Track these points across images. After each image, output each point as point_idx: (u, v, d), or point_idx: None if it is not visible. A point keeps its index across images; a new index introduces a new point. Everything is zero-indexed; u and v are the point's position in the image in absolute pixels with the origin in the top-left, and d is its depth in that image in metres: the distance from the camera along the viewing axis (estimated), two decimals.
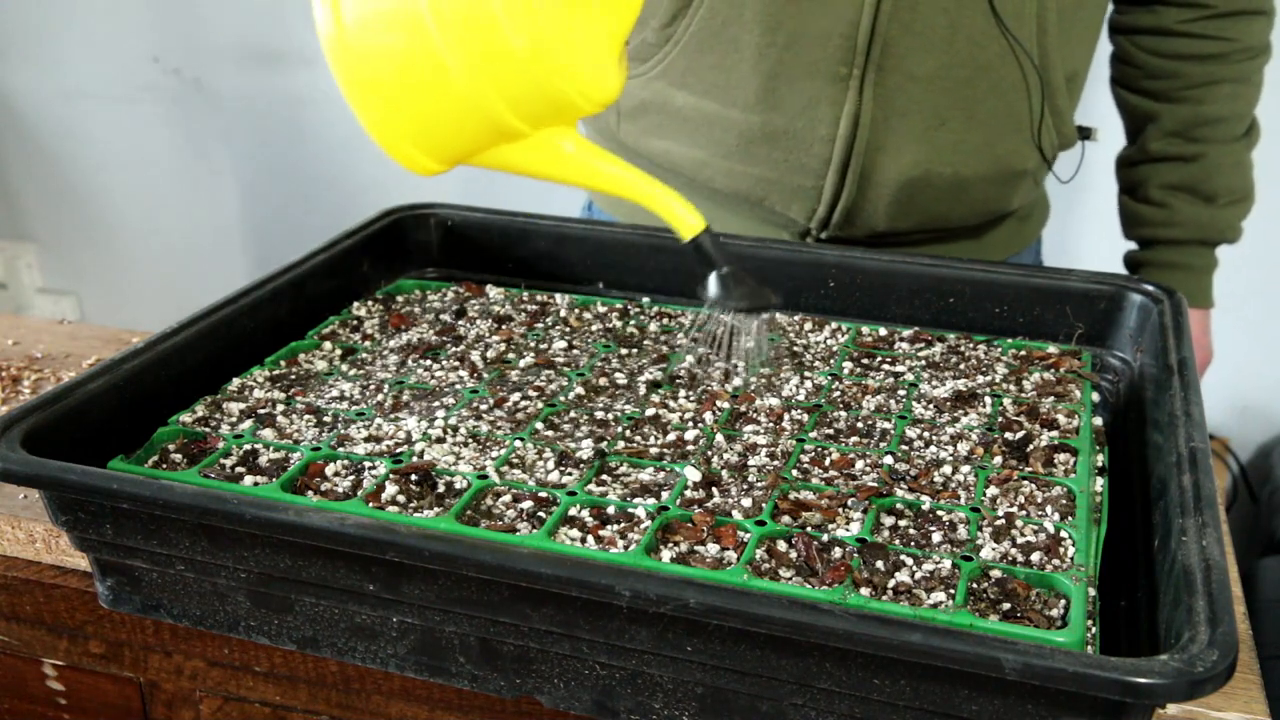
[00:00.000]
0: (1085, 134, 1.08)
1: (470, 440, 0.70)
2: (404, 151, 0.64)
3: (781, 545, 0.60)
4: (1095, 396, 0.77)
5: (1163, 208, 1.10)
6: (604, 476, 0.66)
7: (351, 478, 0.66)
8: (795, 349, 0.83)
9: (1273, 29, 1.07)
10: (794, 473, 0.66)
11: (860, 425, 0.72)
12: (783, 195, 1.00)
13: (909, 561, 0.58)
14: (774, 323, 0.85)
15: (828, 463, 0.68)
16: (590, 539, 0.60)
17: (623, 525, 0.61)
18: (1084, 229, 1.83)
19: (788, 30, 0.92)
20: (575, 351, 0.82)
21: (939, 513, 0.63)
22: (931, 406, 0.74)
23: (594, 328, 0.86)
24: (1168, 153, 1.09)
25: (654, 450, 0.69)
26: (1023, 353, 0.82)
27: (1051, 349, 0.82)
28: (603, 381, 0.78)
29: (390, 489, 0.64)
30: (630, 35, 1.00)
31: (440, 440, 0.69)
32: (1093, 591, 0.59)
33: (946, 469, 0.67)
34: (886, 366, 0.80)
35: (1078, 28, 0.99)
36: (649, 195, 0.68)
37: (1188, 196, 1.09)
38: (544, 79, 0.61)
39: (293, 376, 0.79)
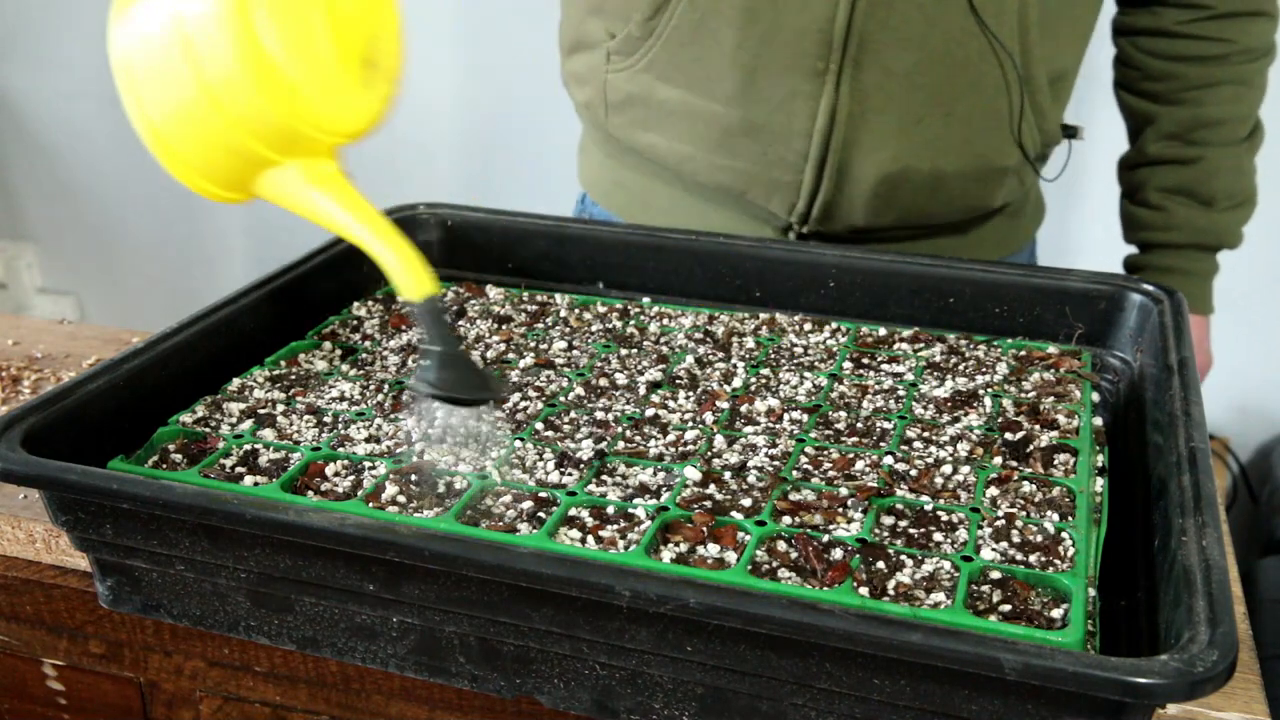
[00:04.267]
0: (1071, 133, 1.07)
1: (470, 440, 0.70)
2: (185, 176, 0.62)
3: (781, 545, 0.60)
4: (1095, 396, 0.77)
5: (1160, 211, 1.10)
6: (604, 477, 0.66)
7: (351, 478, 0.66)
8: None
9: (1276, 31, 1.06)
10: (794, 473, 0.66)
11: (860, 425, 0.72)
12: (763, 189, 1.00)
13: (909, 562, 0.58)
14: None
15: (827, 463, 0.68)
16: (590, 539, 0.60)
17: (623, 525, 0.61)
18: (1081, 231, 1.83)
19: (764, 24, 0.92)
20: (575, 352, 0.82)
21: (939, 513, 0.63)
22: (931, 406, 0.74)
23: (594, 328, 0.86)
24: (1165, 155, 1.09)
25: (654, 450, 0.69)
26: (1023, 353, 0.82)
27: (1051, 349, 0.82)
28: (603, 382, 0.78)
29: (390, 489, 0.64)
30: (616, 29, 1.01)
31: (440, 440, 0.69)
32: (1093, 591, 0.59)
33: (946, 469, 0.67)
34: (886, 366, 0.80)
35: (1064, 26, 0.99)
36: (376, 250, 0.63)
37: (1185, 200, 1.08)
38: (274, 113, 0.58)
39: (293, 376, 0.79)
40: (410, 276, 0.62)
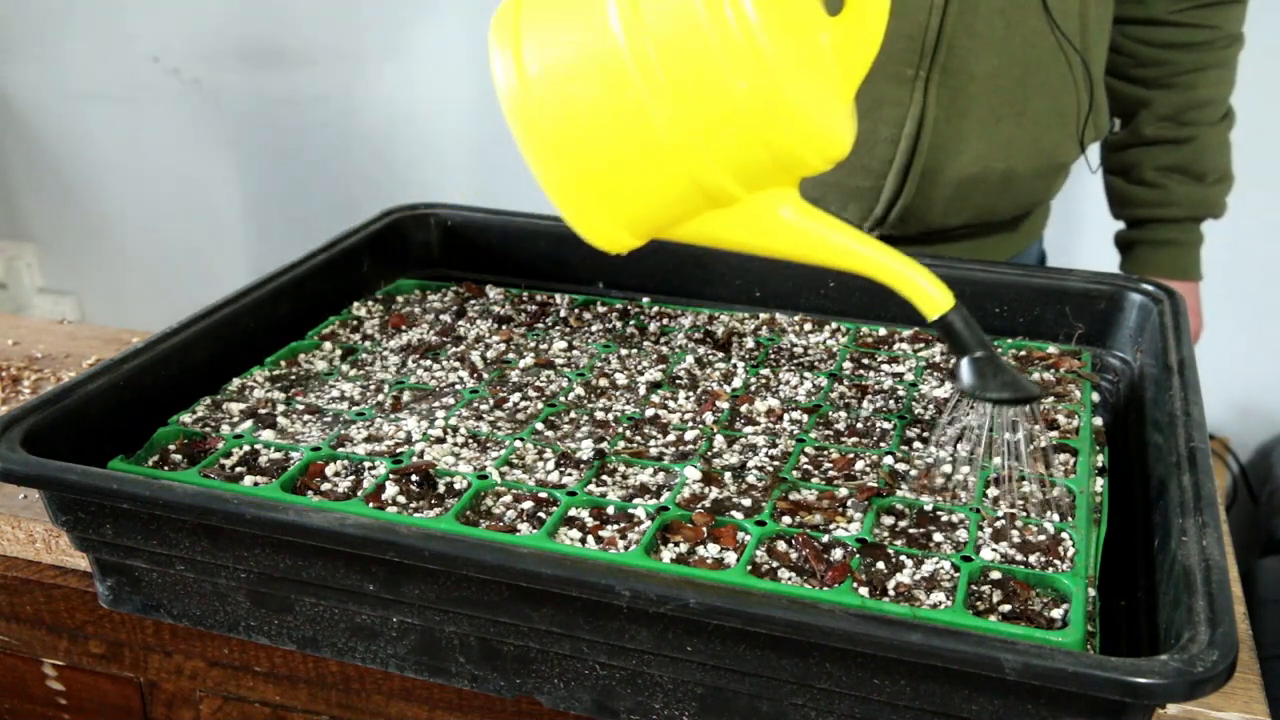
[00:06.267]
0: (1111, 125, 1.14)
1: (470, 440, 0.70)
2: (596, 224, 0.57)
3: (781, 545, 0.60)
4: (1095, 396, 0.77)
5: (1158, 188, 1.16)
6: (604, 477, 0.66)
7: (351, 478, 0.66)
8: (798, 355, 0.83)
9: (1245, 18, 1.13)
10: (794, 473, 0.66)
11: (860, 425, 0.72)
12: (840, 197, 1.02)
13: (909, 562, 0.58)
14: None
15: (827, 463, 0.68)
16: (590, 539, 0.60)
17: (623, 525, 0.61)
18: (1081, 221, 1.83)
19: None
20: (575, 352, 0.82)
21: (939, 513, 0.63)
22: (931, 407, 0.74)
23: (594, 328, 0.86)
24: (1161, 136, 1.14)
25: (654, 450, 0.69)
26: (1023, 353, 0.82)
27: (1051, 349, 0.82)
28: (603, 382, 0.78)
29: (390, 489, 0.64)
30: None
31: (440, 440, 0.69)
32: (1093, 591, 0.59)
33: (946, 469, 0.67)
34: (886, 366, 0.80)
35: (1103, 23, 1.04)
36: (886, 269, 0.60)
37: (1181, 177, 1.15)
38: (770, 131, 0.53)
39: (293, 376, 0.79)
40: (930, 294, 0.60)
